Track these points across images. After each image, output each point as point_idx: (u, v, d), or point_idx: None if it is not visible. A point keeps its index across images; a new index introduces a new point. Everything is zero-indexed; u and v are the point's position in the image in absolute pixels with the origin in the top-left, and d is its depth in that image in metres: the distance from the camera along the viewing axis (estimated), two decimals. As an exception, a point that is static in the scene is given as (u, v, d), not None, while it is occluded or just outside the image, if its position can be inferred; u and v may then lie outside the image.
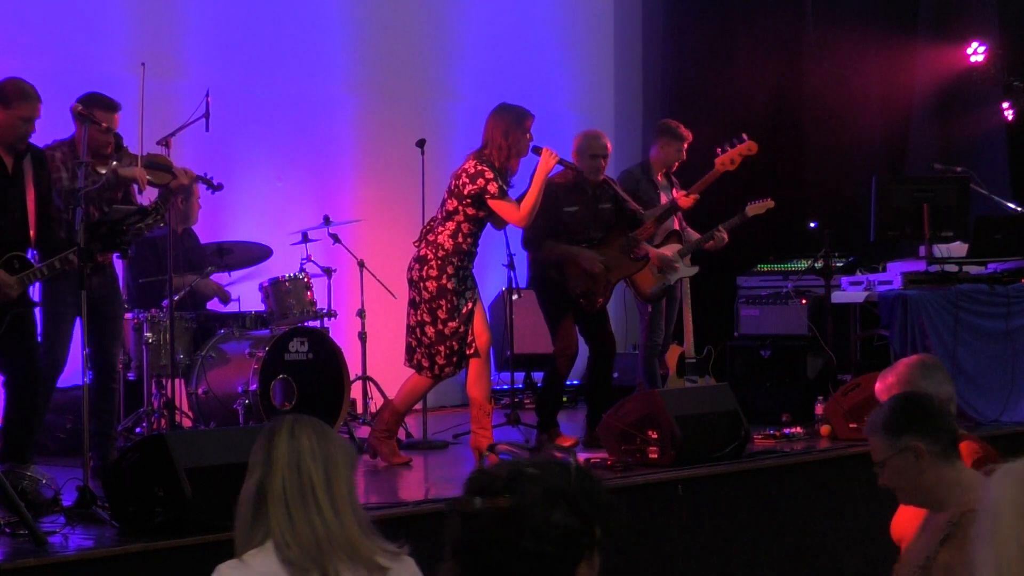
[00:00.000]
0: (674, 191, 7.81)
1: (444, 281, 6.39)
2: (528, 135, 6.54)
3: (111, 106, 6.12)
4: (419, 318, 6.45)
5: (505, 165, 6.50)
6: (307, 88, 9.22)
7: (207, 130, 6.84)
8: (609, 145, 7.24)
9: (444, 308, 6.39)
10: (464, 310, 6.42)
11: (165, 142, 6.74)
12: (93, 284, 6.02)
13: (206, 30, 8.80)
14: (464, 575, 2.02)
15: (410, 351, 6.50)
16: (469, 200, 6.41)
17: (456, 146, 8.88)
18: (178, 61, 8.66)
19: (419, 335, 6.45)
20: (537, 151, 6.54)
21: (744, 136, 7.52)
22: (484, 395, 6.52)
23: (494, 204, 6.40)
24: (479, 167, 6.41)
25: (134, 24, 8.49)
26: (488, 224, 6.62)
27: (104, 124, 5.95)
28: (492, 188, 6.38)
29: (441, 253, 6.41)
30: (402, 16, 9.84)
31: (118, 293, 6.38)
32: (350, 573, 2.60)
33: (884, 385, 4.03)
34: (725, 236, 7.80)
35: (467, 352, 6.44)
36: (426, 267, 6.42)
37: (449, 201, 6.49)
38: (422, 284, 6.43)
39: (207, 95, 6.79)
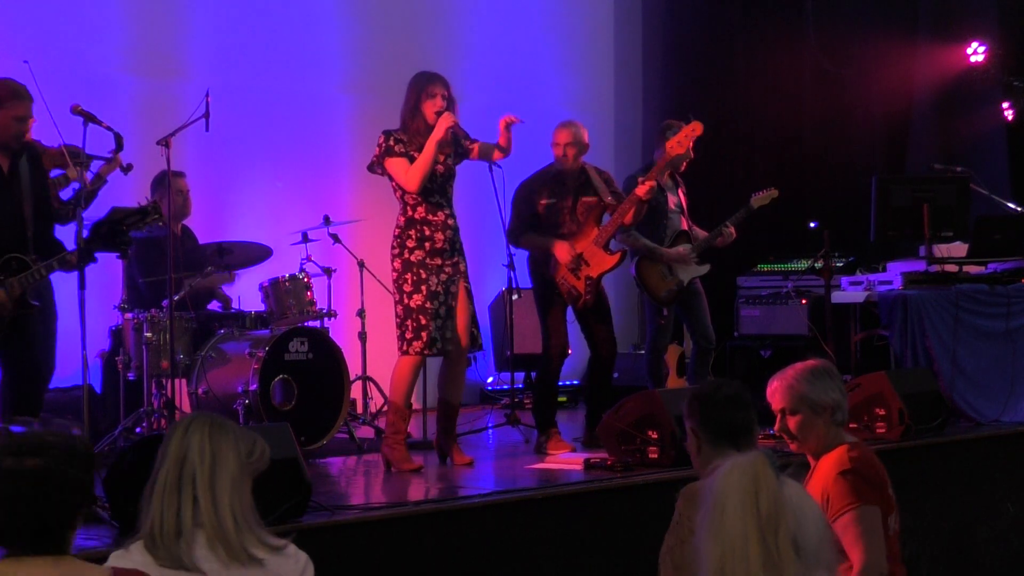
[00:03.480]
0: (680, 191, 7.80)
1: (406, 255, 6.37)
2: (436, 99, 6.40)
3: (27, 95, 6.12)
4: (394, 300, 6.44)
5: (419, 133, 6.37)
6: (307, 88, 9.22)
7: (207, 130, 6.83)
8: (574, 134, 7.10)
9: (409, 281, 6.35)
10: (434, 287, 6.33)
11: (165, 142, 6.74)
12: (39, 286, 6.03)
13: (206, 30, 8.80)
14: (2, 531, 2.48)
15: (398, 338, 6.48)
16: (382, 173, 6.44)
17: (456, 146, 8.87)
18: (178, 61, 8.66)
19: (395, 318, 6.44)
20: (438, 114, 6.40)
21: (690, 117, 7.43)
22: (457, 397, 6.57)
23: (386, 164, 6.38)
24: (379, 138, 6.43)
25: (134, 24, 8.49)
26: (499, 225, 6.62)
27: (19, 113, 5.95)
28: (380, 149, 6.38)
29: (397, 231, 6.43)
30: (402, 16, 9.84)
31: (82, 295, 6.32)
32: (213, 563, 2.74)
33: (770, 389, 4.06)
34: (733, 231, 7.80)
35: (440, 338, 6.33)
36: (392, 252, 6.45)
37: (391, 186, 6.51)
38: (392, 268, 6.45)
39: (207, 95, 6.78)
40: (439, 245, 6.39)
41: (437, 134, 6.32)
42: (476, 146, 6.59)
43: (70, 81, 7.50)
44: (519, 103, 10.31)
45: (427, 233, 6.39)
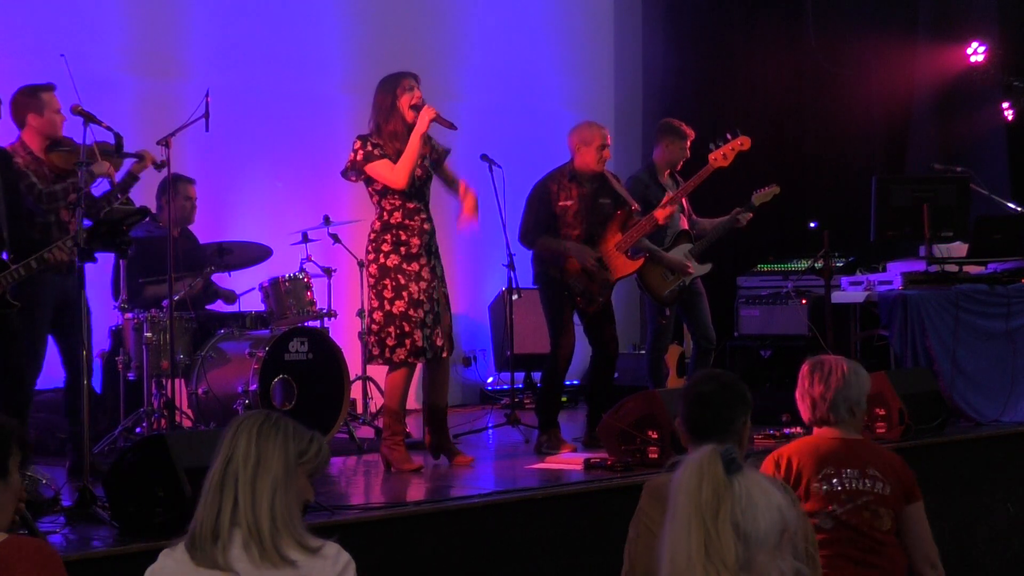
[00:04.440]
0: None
1: (382, 260, 6.26)
2: (414, 92, 6.32)
3: (51, 87, 6.23)
4: (370, 307, 6.35)
5: (396, 131, 6.29)
6: (307, 88, 9.22)
7: (207, 130, 6.83)
8: (605, 135, 7.11)
9: (388, 287, 6.24)
10: (417, 295, 6.24)
11: (165, 142, 6.73)
12: (67, 284, 6.03)
13: (206, 30, 8.80)
14: None
15: (369, 345, 6.40)
16: (361, 177, 6.33)
17: (457, 146, 8.91)
18: (178, 61, 8.66)
19: (371, 324, 6.33)
20: (417, 109, 6.30)
21: (737, 131, 7.44)
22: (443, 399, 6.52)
23: (368, 168, 6.25)
24: (354, 144, 6.32)
25: (133, 24, 8.49)
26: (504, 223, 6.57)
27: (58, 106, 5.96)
28: (359, 156, 6.25)
29: (372, 235, 6.32)
30: (402, 16, 9.85)
31: (83, 294, 6.34)
32: (246, 564, 2.74)
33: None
34: (751, 214, 7.79)
35: (428, 347, 6.25)
36: (366, 257, 6.36)
37: (367, 191, 6.42)
38: (367, 273, 6.37)
39: (207, 95, 6.78)
40: (415, 250, 6.30)
41: (421, 127, 6.25)
42: (446, 163, 6.53)
43: (68, 81, 7.49)
44: (519, 103, 10.34)
45: (403, 238, 6.30)
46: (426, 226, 6.38)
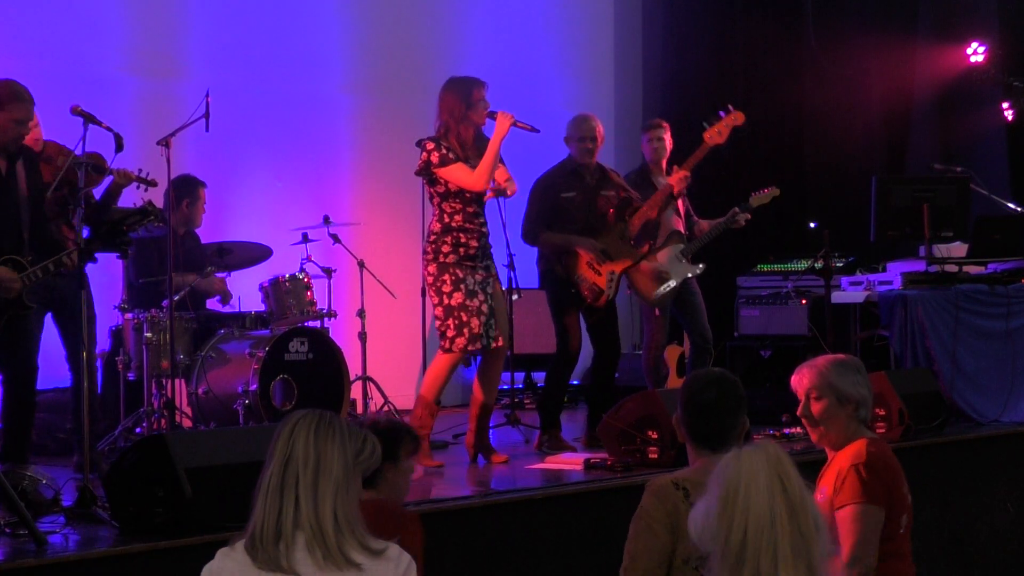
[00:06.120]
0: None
1: (441, 259, 6.39)
2: (482, 103, 6.45)
3: (27, 98, 5.80)
4: (433, 303, 6.46)
5: (465, 138, 6.41)
6: (307, 88, 9.22)
7: (207, 130, 6.83)
8: (593, 127, 7.14)
9: (448, 282, 6.36)
10: (472, 286, 6.36)
11: (165, 142, 6.74)
12: (60, 284, 6.02)
13: (206, 30, 8.80)
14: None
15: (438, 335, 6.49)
16: (426, 179, 6.43)
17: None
18: (178, 61, 8.66)
19: (436, 317, 6.45)
20: (492, 116, 6.43)
21: (730, 107, 7.42)
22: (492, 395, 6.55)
23: (441, 172, 6.34)
24: (422, 143, 6.40)
25: (133, 24, 8.49)
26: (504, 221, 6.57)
27: (19, 116, 5.61)
28: (434, 158, 6.34)
29: (432, 237, 6.44)
30: (402, 16, 9.85)
31: (79, 293, 6.31)
32: (310, 566, 2.72)
33: (798, 374, 4.12)
34: (748, 215, 7.79)
35: (484, 335, 6.36)
36: (425, 257, 6.48)
37: (428, 192, 6.51)
38: (426, 273, 6.48)
39: (207, 95, 6.78)
40: (472, 252, 6.42)
41: (501, 131, 6.36)
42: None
43: (70, 81, 7.50)
44: (519, 103, 10.31)
45: (463, 239, 6.40)
46: (484, 229, 6.51)
